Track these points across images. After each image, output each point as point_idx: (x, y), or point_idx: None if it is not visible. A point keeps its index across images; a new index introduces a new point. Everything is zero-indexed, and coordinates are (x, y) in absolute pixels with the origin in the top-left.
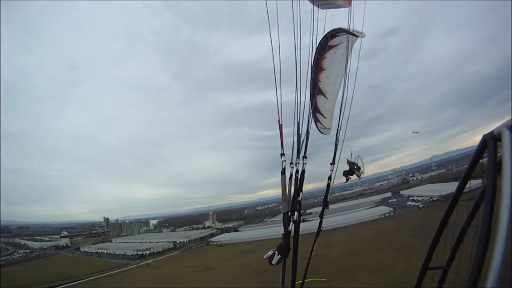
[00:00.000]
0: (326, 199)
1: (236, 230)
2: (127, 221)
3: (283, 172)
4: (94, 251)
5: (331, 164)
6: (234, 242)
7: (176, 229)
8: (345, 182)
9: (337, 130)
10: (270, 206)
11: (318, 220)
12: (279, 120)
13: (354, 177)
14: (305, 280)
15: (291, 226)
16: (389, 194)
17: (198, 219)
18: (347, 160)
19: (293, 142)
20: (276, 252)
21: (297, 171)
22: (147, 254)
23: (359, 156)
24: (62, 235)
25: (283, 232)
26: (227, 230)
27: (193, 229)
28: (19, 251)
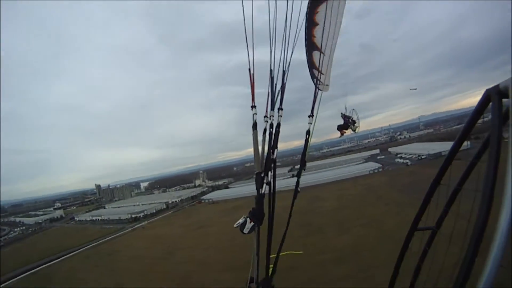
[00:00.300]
0: (304, 157)
1: (227, 187)
2: (118, 186)
3: (254, 126)
4: (88, 219)
5: (309, 116)
6: (225, 199)
7: (167, 190)
8: (339, 137)
9: (316, 77)
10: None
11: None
12: (249, 69)
13: (349, 131)
14: (280, 254)
15: (264, 188)
16: (377, 151)
17: (188, 178)
18: (341, 113)
19: (268, 92)
20: (248, 219)
21: (271, 125)
22: (141, 216)
23: (353, 109)
24: (55, 207)
25: (256, 195)
26: (218, 188)
27: (184, 189)
28: (15, 229)
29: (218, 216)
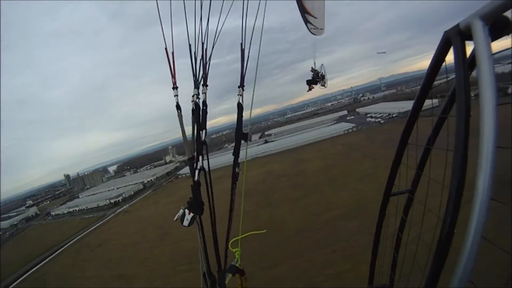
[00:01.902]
0: (240, 130)
1: None
2: (87, 173)
3: (178, 107)
4: (65, 212)
5: (238, 87)
6: None
7: (139, 170)
8: (308, 90)
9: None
10: (224, 133)
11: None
12: (165, 48)
13: (318, 86)
14: (240, 237)
15: (198, 175)
16: (345, 112)
17: (157, 156)
18: (311, 67)
19: (193, 67)
20: (187, 210)
21: (196, 104)
22: (120, 200)
23: (322, 64)
24: (27, 205)
25: (191, 184)
26: None
27: (155, 167)
28: None
29: (203, 188)
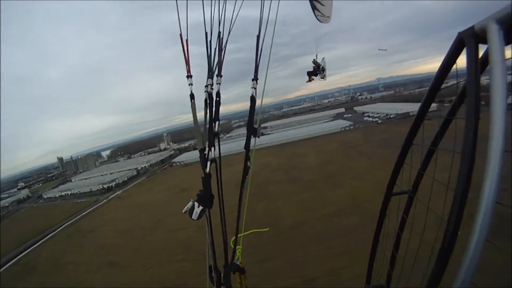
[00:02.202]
0: (251, 124)
1: (195, 149)
2: (80, 157)
3: (192, 97)
4: (57, 195)
5: (252, 80)
6: (197, 160)
7: (132, 156)
8: (308, 81)
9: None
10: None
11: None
12: (180, 34)
13: (317, 78)
14: (243, 234)
15: (209, 167)
16: (342, 109)
17: (151, 143)
18: (313, 59)
19: (208, 56)
20: (196, 203)
21: (210, 95)
22: (113, 186)
23: (323, 58)
24: (19, 187)
25: (202, 176)
26: (186, 150)
27: (149, 154)
28: None
29: (197, 178)
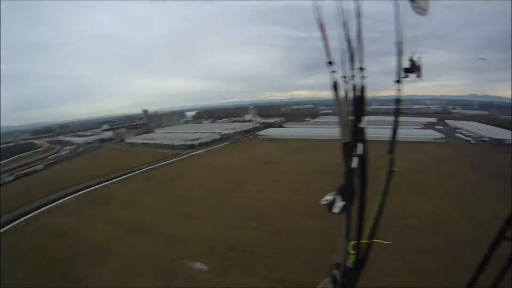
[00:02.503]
0: (396, 126)
1: (281, 126)
2: (164, 112)
3: (335, 87)
4: (140, 142)
5: (395, 82)
6: (282, 137)
7: (216, 121)
8: (404, 77)
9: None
10: (306, 107)
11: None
12: (319, 18)
13: (413, 76)
14: (369, 241)
15: (354, 162)
16: (433, 119)
17: (235, 112)
18: (410, 57)
19: (349, 46)
20: (338, 196)
21: (354, 87)
22: (196, 144)
23: (420, 57)
24: (103, 128)
25: (345, 170)
26: (271, 126)
27: (234, 122)
28: (65, 148)
29: (282, 154)
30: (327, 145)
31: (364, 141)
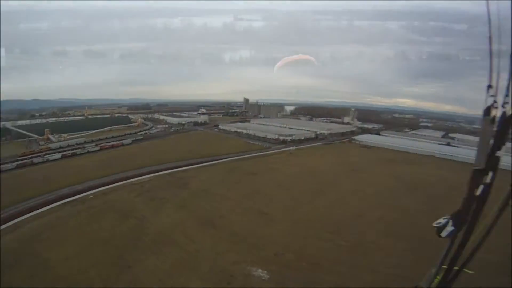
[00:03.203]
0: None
1: (378, 134)
2: (263, 104)
3: (487, 112)
4: (233, 130)
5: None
6: (377, 145)
7: (314, 119)
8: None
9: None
10: (407, 116)
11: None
12: (489, 35)
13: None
14: (459, 268)
15: (480, 190)
16: None
17: (334, 112)
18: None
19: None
20: (451, 221)
21: (504, 114)
22: (289, 140)
23: None
24: (200, 112)
25: (465, 196)
26: (369, 131)
27: (331, 122)
28: (158, 126)
29: (374, 164)
30: (422, 161)
31: (495, 170)
